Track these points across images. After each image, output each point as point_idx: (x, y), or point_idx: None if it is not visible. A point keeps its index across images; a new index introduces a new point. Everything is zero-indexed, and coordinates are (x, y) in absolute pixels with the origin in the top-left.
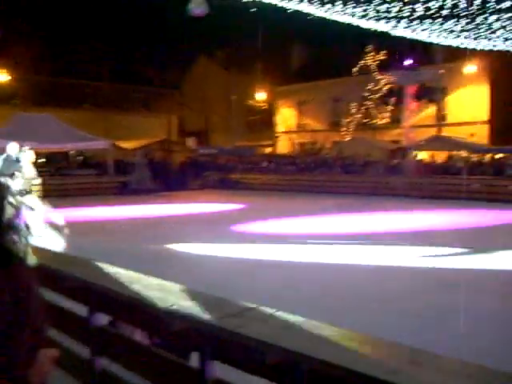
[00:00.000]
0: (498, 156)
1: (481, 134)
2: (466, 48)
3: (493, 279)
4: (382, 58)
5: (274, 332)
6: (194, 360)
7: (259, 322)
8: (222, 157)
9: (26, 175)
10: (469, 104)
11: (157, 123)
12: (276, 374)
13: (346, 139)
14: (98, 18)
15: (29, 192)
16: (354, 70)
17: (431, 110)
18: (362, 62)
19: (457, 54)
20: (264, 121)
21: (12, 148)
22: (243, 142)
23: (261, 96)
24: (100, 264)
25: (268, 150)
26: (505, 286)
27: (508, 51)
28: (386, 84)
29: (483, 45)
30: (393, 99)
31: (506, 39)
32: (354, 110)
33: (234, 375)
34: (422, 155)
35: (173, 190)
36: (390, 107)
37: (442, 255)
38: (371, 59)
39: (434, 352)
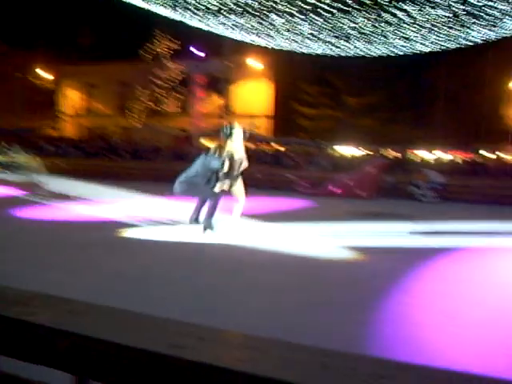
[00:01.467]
0: (279, 148)
1: (265, 127)
2: (258, 45)
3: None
4: (174, 46)
5: (62, 317)
6: None
7: (44, 308)
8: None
9: None
10: (255, 98)
11: None
12: (66, 360)
13: (136, 125)
14: None
15: None
16: (146, 55)
17: (219, 100)
18: (155, 48)
19: (246, 50)
20: (49, 101)
21: None
22: (25, 123)
23: (45, 75)
24: None
25: (52, 131)
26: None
27: (294, 51)
28: (177, 72)
29: (272, 43)
30: (183, 88)
31: (292, 41)
32: (144, 96)
33: (21, 367)
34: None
35: None
36: (179, 95)
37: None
38: (164, 47)
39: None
